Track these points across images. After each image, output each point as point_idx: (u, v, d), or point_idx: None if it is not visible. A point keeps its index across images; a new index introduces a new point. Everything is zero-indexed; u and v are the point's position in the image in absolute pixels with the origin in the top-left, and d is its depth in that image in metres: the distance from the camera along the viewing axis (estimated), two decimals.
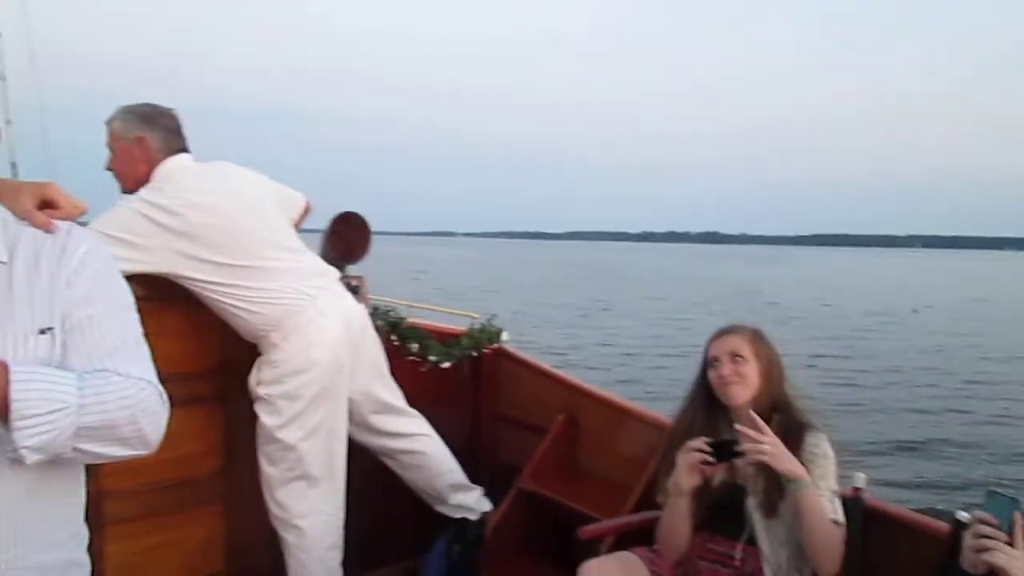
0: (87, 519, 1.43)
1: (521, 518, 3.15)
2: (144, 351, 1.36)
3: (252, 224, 2.62)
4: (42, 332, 1.26)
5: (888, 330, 21.49)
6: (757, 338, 2.36)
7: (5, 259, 1.29)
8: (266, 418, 2.61)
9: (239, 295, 2.55)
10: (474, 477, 3.30)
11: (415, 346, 3.26)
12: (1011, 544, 1.58)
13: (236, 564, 2.79)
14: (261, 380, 2.62)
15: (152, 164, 2.58)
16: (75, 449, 1.20)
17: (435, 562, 2.93)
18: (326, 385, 2.63)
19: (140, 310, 1.40)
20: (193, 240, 2.48)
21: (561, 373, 3.43)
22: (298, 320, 2.60)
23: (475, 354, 3.45)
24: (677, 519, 2.25)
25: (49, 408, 1.14)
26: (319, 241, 3.09)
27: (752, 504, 2.22)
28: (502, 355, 3.53)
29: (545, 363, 3.52)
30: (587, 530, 2.52)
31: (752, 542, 2.21)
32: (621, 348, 17.05)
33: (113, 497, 2.45)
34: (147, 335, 1.39)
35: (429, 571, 2.93)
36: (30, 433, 1.13)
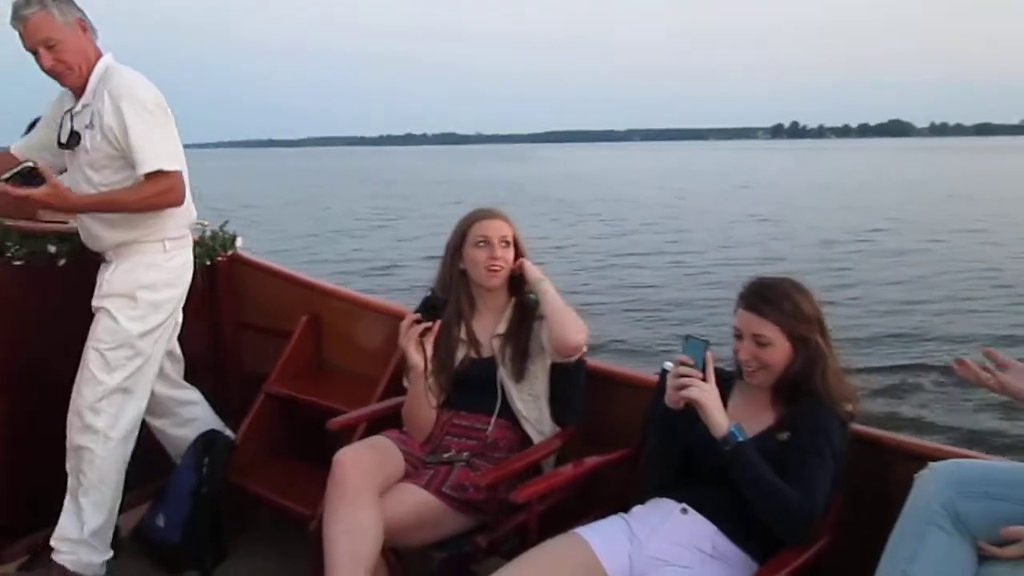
0: None
1: (271, 422, 3.13)
2: None
3: None
4: None
5: (675, 215, 23.09)
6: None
7: None
8: (131, 323, 2.51)
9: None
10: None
11: None
12: (704, 379, 1.87)
13: None
14: (141, 282, 2.53)
15: (96, 51, 2.47)
16: None
17: (185, 477, 2.86)
18: (178, 306, 2.63)
19: None
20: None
21: (301, 274, 3.39)
22: (190, 236, 2.76)
23: (209, 263, 3.31)
24: (417, 398, 2.36)
25: None
26: None
27: (503, 374, 2.38)
28: (238, 262, 3.41)
29: (283, 266, 3.46)
30: (336, 421, 2.53)
31: (500, 413, 2.38)
32: (402, 251, 16.68)
33: None
34: None
35: (179, 486, 2.86)
36: None
